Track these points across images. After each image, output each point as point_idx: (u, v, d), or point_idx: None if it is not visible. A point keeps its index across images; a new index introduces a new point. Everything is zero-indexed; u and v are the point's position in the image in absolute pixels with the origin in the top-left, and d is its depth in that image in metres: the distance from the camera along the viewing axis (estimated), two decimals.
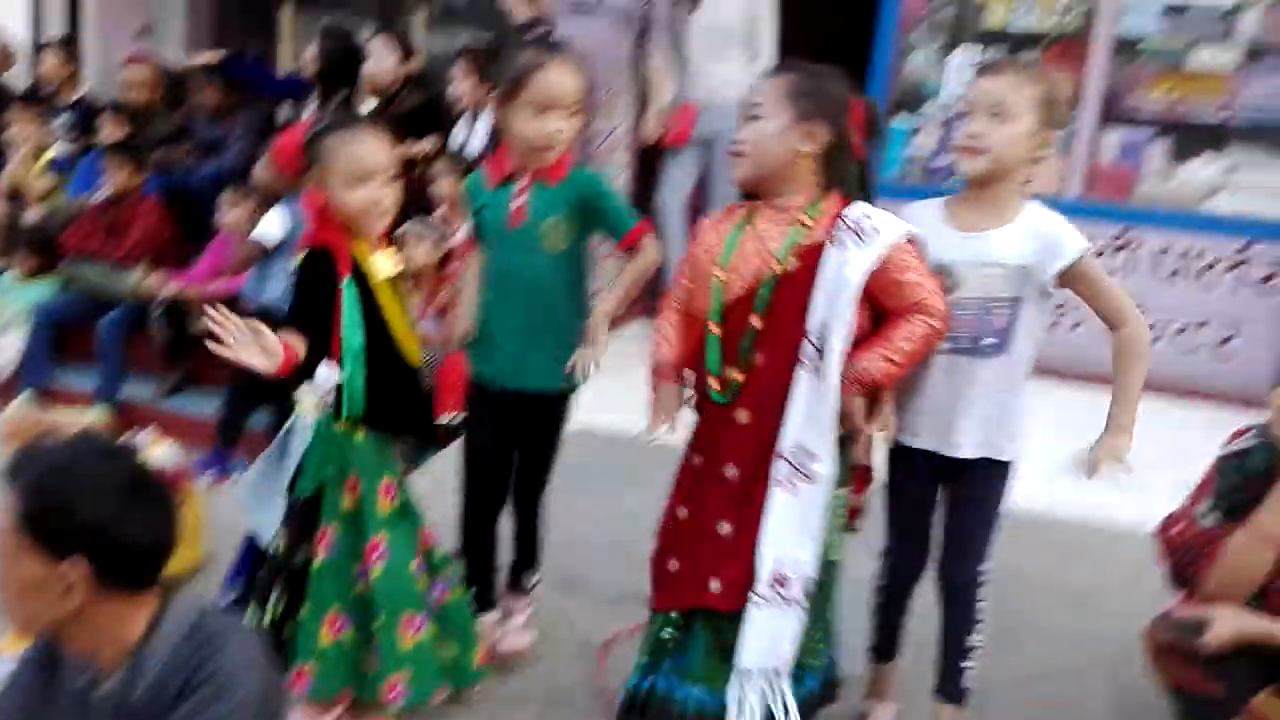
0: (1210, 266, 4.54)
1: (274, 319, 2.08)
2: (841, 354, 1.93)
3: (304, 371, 2.08)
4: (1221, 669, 1.98)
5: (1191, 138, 4.69)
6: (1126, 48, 4.64)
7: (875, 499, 2.19)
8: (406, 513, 2.23)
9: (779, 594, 1.97)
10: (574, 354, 2.29)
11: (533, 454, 2.49)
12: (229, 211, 4.71)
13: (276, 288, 3.86)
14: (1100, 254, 4.63)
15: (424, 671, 2.17)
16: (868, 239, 1.93)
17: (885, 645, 2.37)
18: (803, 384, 1.96)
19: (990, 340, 2.06)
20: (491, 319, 2.39)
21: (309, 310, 2.10)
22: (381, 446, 2.20)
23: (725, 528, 2.03)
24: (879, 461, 2.17)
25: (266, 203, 4.04)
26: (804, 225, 1.98)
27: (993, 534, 2.19)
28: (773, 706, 1.99)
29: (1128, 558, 3.05)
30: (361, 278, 2.14)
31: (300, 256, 2.15)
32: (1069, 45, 4.75)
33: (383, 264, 2.19)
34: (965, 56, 4.92)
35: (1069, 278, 2.03)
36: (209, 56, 5.57)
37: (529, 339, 2.34)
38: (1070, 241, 2.02)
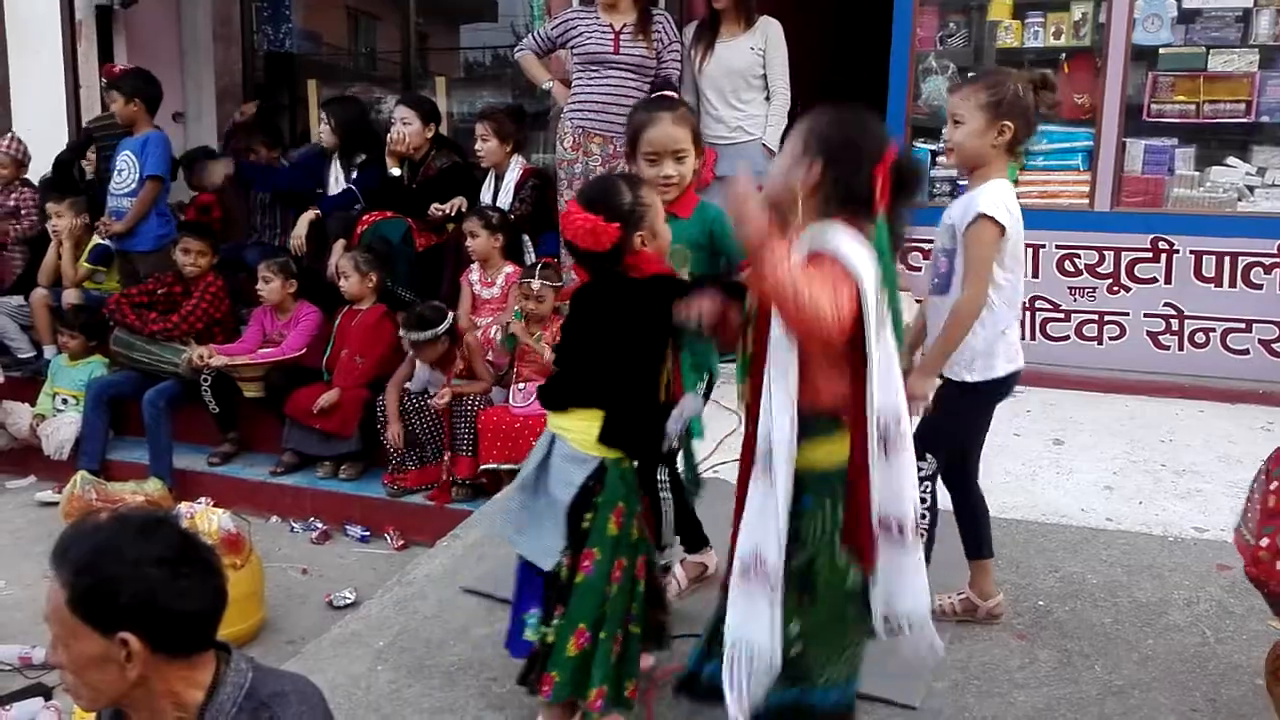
0: (1251, 268, 4.49)
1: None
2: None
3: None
4: None
5: (1216, 141, 4.66)
6: (1145, 56, 4.64)
7: None
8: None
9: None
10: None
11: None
12: (267, 283, 4.84)
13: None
14: (1137, 262, 4.61)
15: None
16: None
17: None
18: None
19: (937, 281, 2.56)
20: None
21: None
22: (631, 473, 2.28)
23: None
24: None
25: None
26: None
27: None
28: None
29: (1189, 567, 2.99)
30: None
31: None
32: (1085, 59, 4.76)
33: None
34: None
35: (966, 237, 2.43)
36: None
37: None
38: (975, 208, 2.41)
